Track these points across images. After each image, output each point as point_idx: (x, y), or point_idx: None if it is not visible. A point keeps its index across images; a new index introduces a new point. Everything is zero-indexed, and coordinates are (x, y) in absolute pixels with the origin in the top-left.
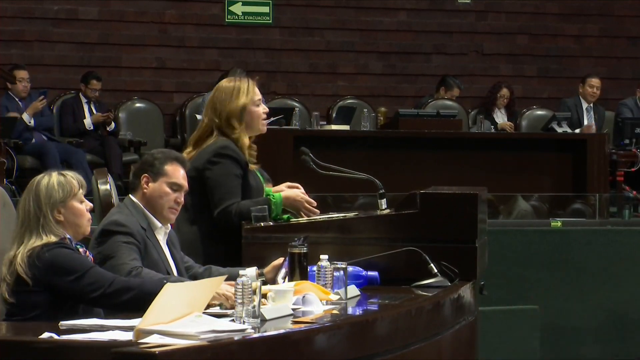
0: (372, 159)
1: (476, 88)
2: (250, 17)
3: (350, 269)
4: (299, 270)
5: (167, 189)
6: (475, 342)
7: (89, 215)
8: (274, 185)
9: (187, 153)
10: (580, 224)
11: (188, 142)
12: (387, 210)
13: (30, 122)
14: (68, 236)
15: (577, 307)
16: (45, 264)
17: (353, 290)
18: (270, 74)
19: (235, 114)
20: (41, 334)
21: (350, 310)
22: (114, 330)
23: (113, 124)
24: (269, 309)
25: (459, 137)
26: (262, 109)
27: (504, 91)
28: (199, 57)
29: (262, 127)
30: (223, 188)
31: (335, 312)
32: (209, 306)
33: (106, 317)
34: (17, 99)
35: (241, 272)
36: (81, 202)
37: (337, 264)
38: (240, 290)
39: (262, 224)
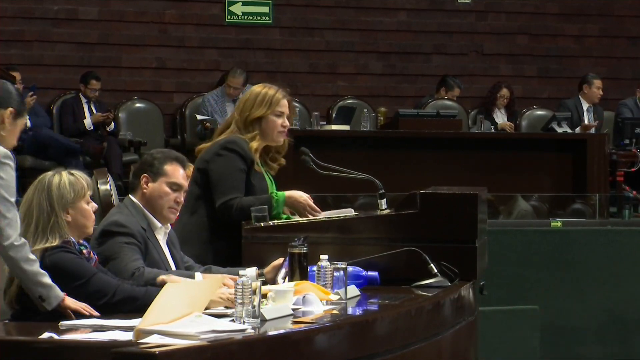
0: (372, 159)
1: (476, 88)
2: (250, 17)
3: (350, 269)
4: (299, 270)
5: (167, 189)
6: (475, 342)
7: (94, 217)
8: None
9: (206, 144)
10: (580, 224)
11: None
12: (387, 210)
13: (26, 122)
14: (71, 238)
15: (577, 307)
16: (49, 269)
17: (353, 291)
18: (270, 74)
19: (254, 119)
20: (41, 334)
21: (350, 311)
22: (114, 330)
23: (113, 124)
24: (269, 309)
25: (459, 137)
26: (282, 121)
27: (504, 91)
28: (199, 57)
29: (278, 138)
30: (227, 181)
31: (335, 312)
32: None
33: (106, 317)
34: None
35: (241, 272)
36: (88, 203)
37: (337, 264)
38: (240, 290)
39: (262, 224)
